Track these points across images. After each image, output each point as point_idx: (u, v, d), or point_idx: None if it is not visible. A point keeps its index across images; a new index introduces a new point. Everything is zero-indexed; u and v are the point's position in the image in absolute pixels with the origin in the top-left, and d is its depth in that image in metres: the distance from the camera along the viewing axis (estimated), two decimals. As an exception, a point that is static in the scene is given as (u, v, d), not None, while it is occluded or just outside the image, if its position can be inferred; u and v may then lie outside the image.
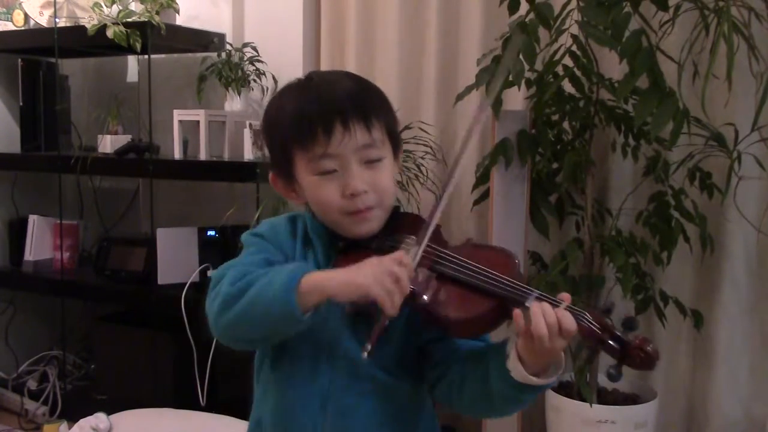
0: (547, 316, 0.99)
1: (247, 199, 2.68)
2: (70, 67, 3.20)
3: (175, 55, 3.06)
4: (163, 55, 3.07)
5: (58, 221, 3.01)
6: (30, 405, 3.02)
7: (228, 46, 2.86)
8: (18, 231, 3.14)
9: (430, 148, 2.49)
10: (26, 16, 3.03)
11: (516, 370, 1.03)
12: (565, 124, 2.24)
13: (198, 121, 2.74)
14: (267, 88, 2.87)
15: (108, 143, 2.92)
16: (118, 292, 2.91)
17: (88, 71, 3.38)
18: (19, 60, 3.04)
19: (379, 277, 0.98)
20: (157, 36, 2.68)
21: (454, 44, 2.61)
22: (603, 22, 1.81)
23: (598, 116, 2.14)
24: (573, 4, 1.95)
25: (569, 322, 0.99)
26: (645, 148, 2.19)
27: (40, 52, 3.00)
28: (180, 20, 2.88)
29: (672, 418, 2.35)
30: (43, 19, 2.99)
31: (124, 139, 2.90)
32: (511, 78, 1.88)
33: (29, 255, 3.10)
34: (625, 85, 1.85)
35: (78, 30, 2.78)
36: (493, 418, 1.98)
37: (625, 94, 1.94)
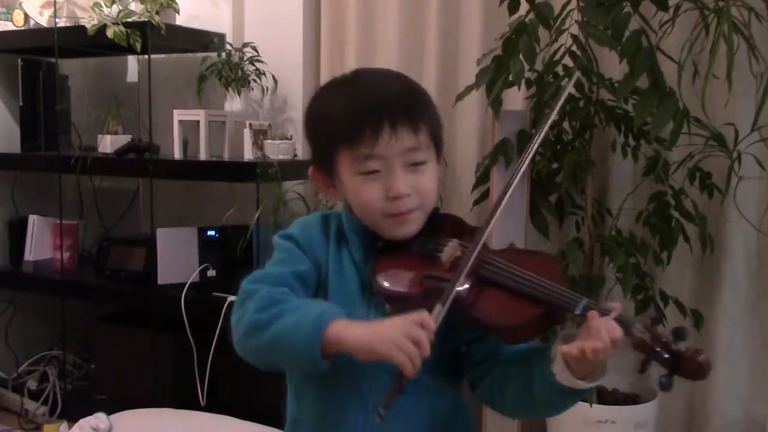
0: (612, 331, 0.98)
1: (247, 199, 2.68)
2: (70, 67, 3.20)
3: (175, 55, 3.06)
4: (163, 55, 3.07)
5: (58, 221, 3.01)
6: (30, 405, 3.02)
7: (228, 46, 2.86)
8: (18, 231, 3.14)
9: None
10: (26, 16, 3.03)
11: (562, 375, 1.02)
12: (565, 124, 2.24)
13: (198, 121, 2.74)
14: (267, 88, 2.87)
15: (108, 143, 2.92)
16: (118, 292, 2.91)
17: (88, 71, 3.38)
18: (19, 60, 3.04)
19: (399, 342, 0.98)
20: (157, 36, 2.68)
21: (454, 44, 2.61)
22: (603, 22, 1.81)
23: (598, 116, 2.14)
24: (573, 4, 1.95)
25: (618, 332, 0.98)
26: (645, 148, 2.19)
27: (40, 52, 3.00)
28: (180, 20, 2.88)
29: (672, 418, 2.35)
30: (43, 19, 2.99)
31: (124, 139, 2.90)
32: (511, 78, 1.88)
33: (29, 255, 3.10)
34: (625, 85, 1.85)
35: (78, 30, 2.78)
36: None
37: (625, 94, 1.94)
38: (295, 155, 2.75)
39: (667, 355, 1.00)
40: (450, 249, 1.11)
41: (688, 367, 1.00)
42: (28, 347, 3.22)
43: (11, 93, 3.12)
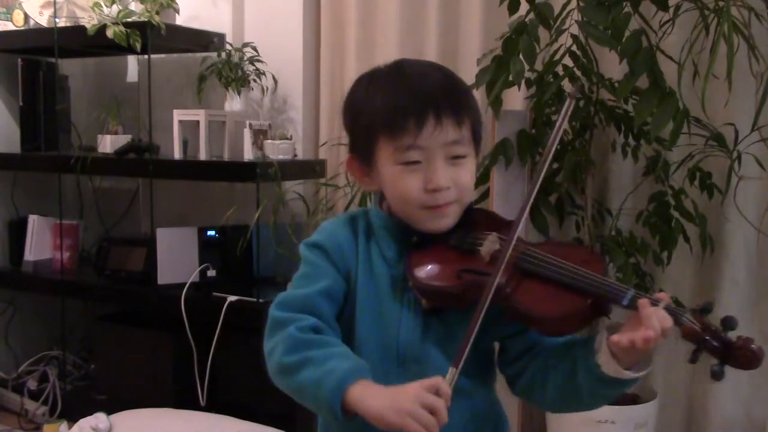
0: (663, 321, 0.97)
1: (247, 199, 2.68)
2: (70, 67, 3.20)
3: (175, 55, 3.06)
4: (163, 55, 3.07)
5: (58, 221, 3.01)
6: (30, 405, 3.02)
7: (228, 46, 2.86)
8: (18, 231, 3.14)
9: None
10: (26, 16, 3.03)
11: (608, 365, 1.01)
12: (565, 124, 2.24)
13: (198, 121, 2.74)
14: (267, 88, 2.87)
15: (108, 143, 2.92)
16: (118, 292, 2.91)
17: (88, 71, 3.38)
18: (19, 60, 3.04)
19: (414, 412, 0.97)
20: (157, 36, 2.68)
21: (454, 44, 2.61)
22: (603, 22, 1.81)
23: (598, 116, 2.14)
24: (573, 4, 1.95)
25: (667, 321, 0.97)
26: (645, 148, 2.19)
27: (40, 52, 3.00)
28: (180, 20, 2.88)
29: (672, 418, 2.35)
30: (43, 19, 2.99)
31: (124, 139, 2.90)
32: (511, 78, 1.88)
33: (29, 255, 3.10)
34: (625, 85, 1.85)
35: (78, 30, 2.78)
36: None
37: (625, 94, 1.94)
38: (295, 155, 2.76)
39: (717, 344, 0.99)
40: (489, 242, 1.10)
41: (741, 355, 0.99)
42: (28, 347, 3.22)
43: (11, 93, 3.12)
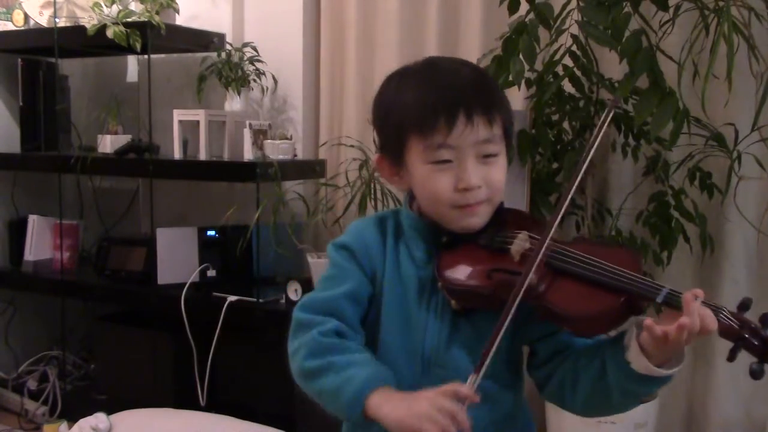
0: (706, 317, 0.95)
1: (247, 199, 2.68)
2: (70, 67, 3.20)
3: (175, 55, 3.06)
4: (163, 55, 3.07)
5: (58, 221, 3.01)
6: (30, 405, 3.02)
7: (228, 46, 2.86)
8: (18, 231, 3.14)
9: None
10: (26, 16, 3.03)
11: (638, 361, 1.00)
12: (565, 124, 2.24)
13: (198, 121, 2.74)
14: (267, 88, 2.87)
15: (108, 143, 2.92)
16: (118, 292, 2.91)
17: (88, 71, 3.38)
18: (19, 60, 3.04)
19: (433, 417, 0.96)
20: (157, 36, 2.68)
21: (454, 44, 2.61)
22: (603, 22, 1.81)
23: (598, 116, 2.14)
24: (573, 4, 1.95)
25: (711, 318, 0.95)
26: (645, 148, 2.19)
27: (40, 52, 3.00)
28: (180, 20, 2.88)
29: (672, 418, 2.35)
30: (43, 19, 2.99)
31: (124, 139, 2.90)
32: (511, 78, 1.88)
33: (29, 255, 3.10)
34: (625, 85, 1.85)
35: (78, 30, 2.78)
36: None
37: (625, 94, 1.94)
38: (295, 155, 2.76)
39: (756, 342, 0.97)
40: (520, 241, 1.09)
41: None
42: (28, 347, 3.22)
43: (11, 93, 3.12)
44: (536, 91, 2.16)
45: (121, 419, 2.23)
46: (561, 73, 2.08)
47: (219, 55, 2.81)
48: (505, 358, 1.13)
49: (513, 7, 2.00)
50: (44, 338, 3.25)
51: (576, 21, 1.95)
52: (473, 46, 2.52)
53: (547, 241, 1.05)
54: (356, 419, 1.03)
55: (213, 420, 2.26)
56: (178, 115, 2.78)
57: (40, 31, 2.97)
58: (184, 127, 2.79)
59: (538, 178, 2.23)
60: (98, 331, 3.10)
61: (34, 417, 3.00)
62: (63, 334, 3.03)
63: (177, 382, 2.76)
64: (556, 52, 2.05)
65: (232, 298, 2.55)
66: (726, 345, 0.98)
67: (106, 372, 2.99)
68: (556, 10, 1.94)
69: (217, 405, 2.63)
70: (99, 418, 2.20)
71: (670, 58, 1.99)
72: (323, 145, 2.86)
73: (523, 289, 1.02)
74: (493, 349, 1.01)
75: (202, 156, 2.74)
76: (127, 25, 2.66)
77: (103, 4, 2.73)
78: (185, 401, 2.57)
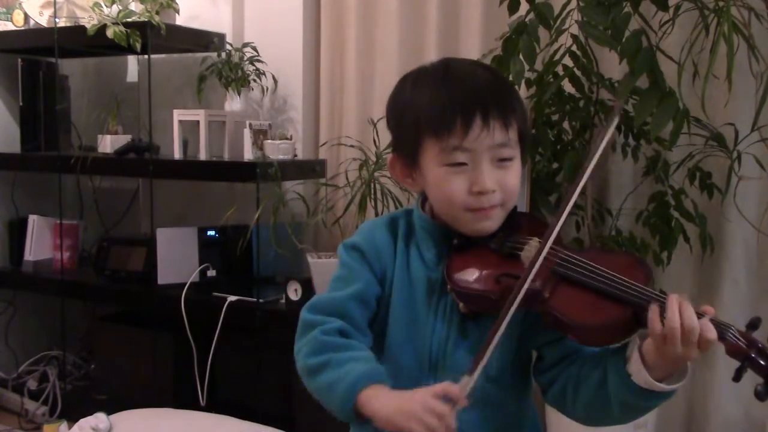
0: (684, 312, 0.95)
1: (247, 199, 2.67)
2: (70, 67, 3.20)
3: (175, 55, 3.06)
4: (163, 55, 3.07)
5: (58, 221, 3.01)
6: (30, 405, 3.02)
7: (228, 46, 2.86)
8: (18, 231, 3.14)
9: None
10: (26, 16, 3.03)
11: (639, 374, 0.99)
12: (565, 124, 2.24)
13: (198, 121, 2.74)
14: (267, 88, 2.87)
15: (108, 143, 2.92)
16: (118, 292, 2.91)
17: (88, 71, 3.38)
18: (19, 60, 3.04)
19: (421, 417, 0.96)
20: (157, 36, 2.68)
21: (454, 44, 2.61)
22: (603, 22, 1.81)
23: (598, 116, 2.14)
24: (573, 4, 1.95)
25: (710, 333, 0.95)
26: (645, 148, 2.19)
27: (40, 52, 3.00)
28: (180, 20, 2.88)
29: (672, 418, 2.35)
30: (43, 19, 2.99)
31: (124, 139, 2.90)
32: (511, 78, 1.88)
33: (29, 255, 3.10)
34: (625, 85, 1.85)
35: (78, 30, 2.78)
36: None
37: (625, 94, 1.94)
38: (295, 155, 2.76)
39: (764, 363, 0.96)
40: (530, 248, 1.08)
41: None
42: (28, 347, 3.22)
43: (11, 93, 3.12)
44: (536, 91, 2.16)
45: (121, 419, 2.23)
46: (561, 73, 2.08)
47: (219, 55, 2.81)
48: (511, 363, 1.12)
49: (513, 7, 2.00)
50: (44, 338, 3.25)
51: (576, 21, 1.95)
52: (473, 46, 2.52)
53: (547, 247, 1.04)
54: (348, 414, 1.02)
55: (213, 420, 2.26)
56: (178, 115, 2.78)
57: (40, 31, 2.97)
58: (184, 127, 2.79)
59: (538, 178, 2.23)
60: (98, 331, 3.10)
61: (34, 417, 3.00)
62: (63, 334, 3.02)
63: (177, 382, 2.76)
64: (556, 52, 2.05)
65: (232, 298, 2.55)
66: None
67: (106, 372, 2.99)
68: (556, 10, 1.94)
69: (217, 405, 2.63)
70: (99, 418, 2.20)
71: (670, 58, 1.99)
72: (323, 145, 2.86)
73: (520, 296, 1.01)
74: (487, 354, 1.00)
75: (202, 156, 2.74)
76: (127, 25, 2.66)
77: (103, 4, 2.73)
78: (185, 401, 2.57)
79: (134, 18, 2.70)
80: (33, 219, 3.09)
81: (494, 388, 1.10)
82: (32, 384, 3.11)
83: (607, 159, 2.36)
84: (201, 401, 2.63)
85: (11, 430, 2.93)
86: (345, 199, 2.53)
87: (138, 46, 2.66)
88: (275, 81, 2.86)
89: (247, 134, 2.69)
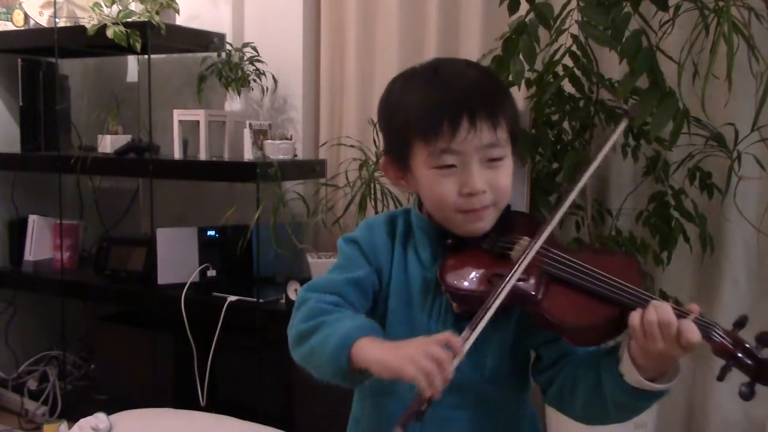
0: (660, 311, 0.95)
1: (247, 199, 2.68)
2: (70, 67, 3.20)
3: (175, 55, 3.06)
4: (163, 55, 3.07)
5: (58, 221, 3.01)
6: (30, 405, 3.02)
7: (228, 46, 2.86)
8: (18, 231, 3.14)
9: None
10: (26, 16, 3.03)
11: (630, 374, 0.99)
12: (565, 124, 2.24)
13: (198, 121, 2.74)
14: (267, 88, 2.87)
15: (108, 143, 2.92)
16: (118, 292, 2.91)
17: (88, 71, 3.38)
18: (19, 60, 3.04)
19: (416, 358, 0.93)
20: (157, 36, 2.68)
21: (454, 44, 2.61)
22: (603, 22, 1.81)
23: (598, 116, 2.14)
24: (573, 4, 1.95)
25: (692, 333, 0.94)
26: (645, 148, 2.19)
27: (40, 52, 3.00)
28: (180, 20, 2.88)
29: (672, 418, 2.35)
30: (43, 19, 2.99)
31: (124, 139, 2.90)
32: (511, 78, 1.88)
33: (29, 255, 3.10)
34: (625, 85, 1.85)
35: (78, 30, 2.78)
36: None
37: (625, 94, 1.94)
38: (295, 155, 2.76)
39: (749, 362, 0.95)
40: (521, 247, 1.08)
41: None
42: (28, 347, 3.22)
43: (11, 93, 3.12)
44: (536, 91, 2.16)
45: (121, 419, 2.23)
46: (561, 73, 2.08)
47: (219, 55, 2.81)
48: (508, 362, 1.12)
49: (513, 7, 2.00)
50: (44, 338, 3.25)
51: (576, 21, 1.95)
52: (473, 46, 2.52)
53: (537, 245, 1.04)
54: (341, 367, 1.00)
55: (213, 420, 2.26)
56: (178, 115, 2.78)
57: (40, 31, 2.97)
58: (184, 127, 2.79)
59: (538, 178, 2.23)
60: (98, 331, 3.10)
61: (34, 417, 3.00)
62: (63, 334, 3.02)
63: (177, 382, 2.76)
64: (556, 52, 2.04)
65: (232, 298, 2.55)
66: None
67: (106, 372, 2.99)
68: (556, 10, 1.94)
69: (217, 405, 2.63)
70: (99, 418, 2.20)
71: (670, 58, 1.99)
72: (323, 145, 2.86)
73: (505, 289, 1.01)
74: (489, 313, 1.00)
75: (202, 156, 2.74)
76: (127, 25, 2.66)
77: (103, 4, 2.73)
78: (185, 401, 2.57)
79: (134, 18, 2.70)
80: (33, 219, 3.09)
81: (491, 387, 1.10)
82: (32, 384, 3.12)
83: (608, 159, 2.36)
84: (201, 401, 2.63)
85: (11, 430, 2.93)
86: (345, 199, 2.53)
87: (138, 46, 2.66)
88: (275, 81, 2.86)
89: (247, 134, 2.69)
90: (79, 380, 3.20)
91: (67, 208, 3.06)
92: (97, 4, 2.74)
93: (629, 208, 2.25)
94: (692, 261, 2.27)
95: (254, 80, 2.82)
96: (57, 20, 2.88)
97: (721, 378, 0.96)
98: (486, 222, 1.11)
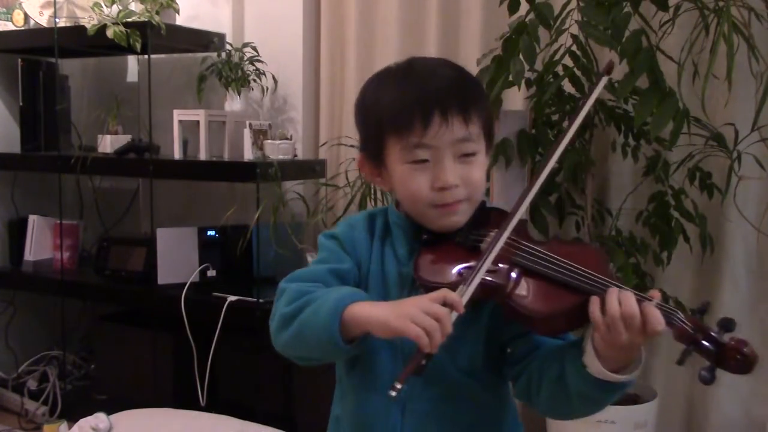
0: (623, 299, 0.96)
1: (247, 199, 2.68)
2: (70, 67, 3.20)
3: (175, 55, 3.06)
4: (163, 55, 3.07)
5: (58, 221, 3.01)
6: (30, 405, 3.02)
7: (228, 46, 2.86)
8: (18, 231, 3.14)
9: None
10: (26, 16, 3.03)
11: (593, 365, 0.99)
12: (565, 124, 2.24)
13: (198, 121, 2.74)
14: (267, 88, 2.87)
15: (108, 143, 2.92)
16: (118, 292, 2.91)
17: (88, 71, 3.38)
18: (19, 60, 3.04)
19: (416, 316, 0.95)
20: (157, 36, 2.68)
21: (454, 44, 2.61)
22: (603, 22, 1.81)
23: (598, 116, 2.14)
24: (573, 4, 1.95)
25: (655, 318, 0.95)
26: (645, 148, 2.19)
27: (40, 52, 3.00)
28: (180, 20, 2.88)
29: (672, 418, 2.35)
30: (43, 19, 2.99)
31: (124, 139, 2.90)
32: (511, 78, 1.88)
33: (29, 255, 3.10)
34: (625, 85, 1.85)
35: (78, 30, 2.78)
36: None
37: (625, 94, 1.94)
38: (295, 155, 2.76)
39: (709, 346, 0.96)
40: (491, 239, 1.08)
41: (731, 358, 0.95)
42: (28, 347, 3.22)
43: (11, 93, 3.12)
44: (536, 91, 2.16)
45: (121, 419, 2.23)
46: (561, 73, 2.09)
47: (219, 55, 2.81)
48: (483, 356, 1.13)
49: (513, 7, 2.00)
50: (44, 338, 3.25)
51: (576, 21, 1.95)
52: (473, 46, 2.52)
53: (504, 236, 1.05)
54: (334, 336, 1.00)
55: (213, 420, 2.26)
56: (178, 115, 2.78)
57: (40, 31, 2.97)
58: (184, 127, 2.79)
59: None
60: (98, 331, 3.10)
61: (34, 417, 3.00)
62: (63, 334, 3.02)
63: (177, 382, 2.76)
64: (556, 52, 2.05)
65: (232, 298, 2.55)
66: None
67: (106, 372, 2.99)
68: (556, 10, 1.94)
69: (217, 405, 2.63)
70: (99, 418, 2.20)
71: (670, 58, 2.00)
72: (323, 145, 2.86)
73: (477, 275, 1.02)
74: (484, 265, 1.02)
75: (202, 156, 2.74)
76: (127, 25, 2.66)
77: (103, 4, 2.73)
78: (185, 401, 2.57)
79: (134, 18, 2.70)
80: (33, 219, 3.09)
81: (468, 380, 1.11)
82: (32, 384, 3.11)
83: (607, 159, 2.36)
84: (201, 401, 2.63)
85: (11, 430, 2.93)
86: (345, 199, 2.53)
87: (138, 46, 2.66)
88: (275, 81, 2.86)
89: (247, 134, 2.69)
90: (79, 380, 3.20)
91: (67, 208, 3.06)
92: (97, 4, 2.74)
93: (629, 208, 2.25)
94: (692, 261, 2.27)
95: (254, 80, 2.82)
96: (57, 20, 2.88)
97: (681, 362, 0.97)
98: (460, 216, 1.12)
